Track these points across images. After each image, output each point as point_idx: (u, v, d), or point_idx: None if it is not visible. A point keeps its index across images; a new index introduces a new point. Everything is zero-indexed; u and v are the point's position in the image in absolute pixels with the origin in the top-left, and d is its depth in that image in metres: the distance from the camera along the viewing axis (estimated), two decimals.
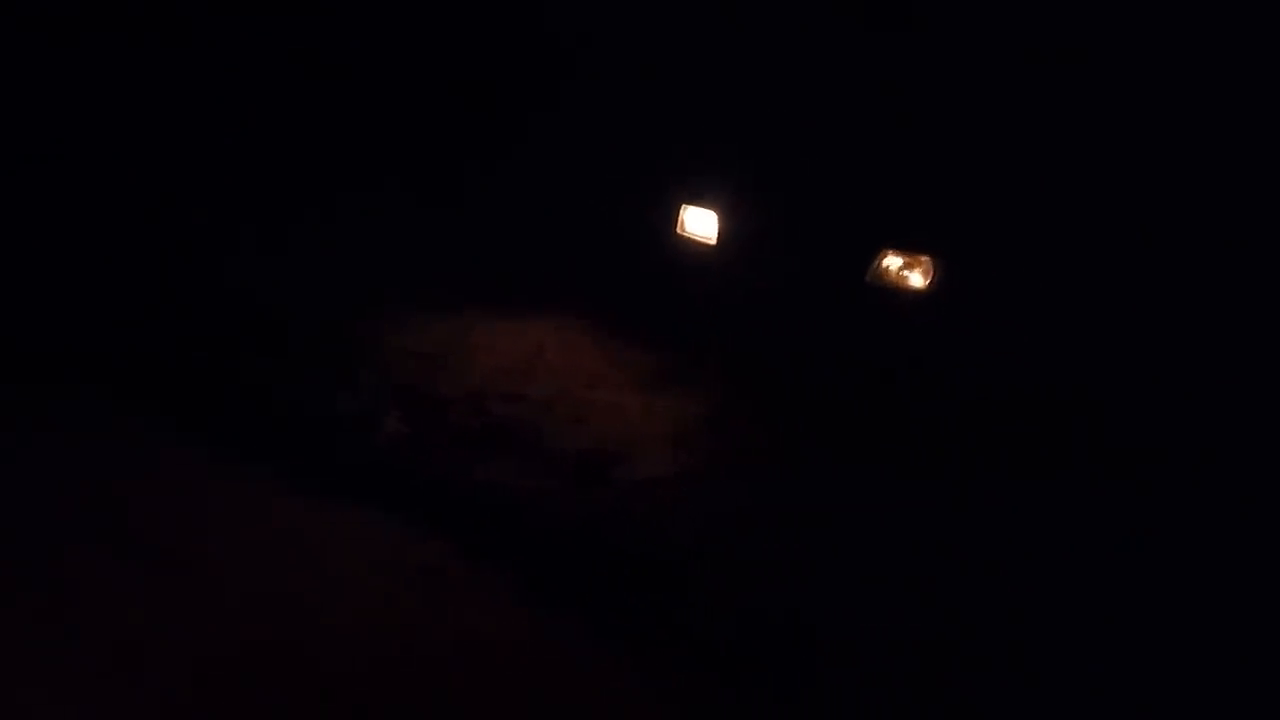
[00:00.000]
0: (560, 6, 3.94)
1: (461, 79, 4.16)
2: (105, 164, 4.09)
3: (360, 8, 4.30)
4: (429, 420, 2.74)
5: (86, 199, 3.99)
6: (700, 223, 3.37)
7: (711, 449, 2.59)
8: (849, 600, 2.02)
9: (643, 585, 2.02)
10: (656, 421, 2.74)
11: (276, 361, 3.04)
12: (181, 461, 2.55)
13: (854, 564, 2.15)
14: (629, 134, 3.66)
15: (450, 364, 3.08)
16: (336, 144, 4.19)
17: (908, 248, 2.97)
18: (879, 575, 2.11)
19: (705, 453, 2.56)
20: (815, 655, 1.85)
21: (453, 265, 3.75)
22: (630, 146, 3.63)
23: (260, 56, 4.30)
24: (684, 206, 3.40)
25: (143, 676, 1.71)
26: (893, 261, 2.99)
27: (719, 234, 3.31)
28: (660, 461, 2.50)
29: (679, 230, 3.43)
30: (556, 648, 1.87)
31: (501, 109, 4.10)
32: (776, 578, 2.07)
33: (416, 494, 2.39)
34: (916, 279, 3.00)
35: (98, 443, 2.59)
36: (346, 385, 2.90)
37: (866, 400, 2.92)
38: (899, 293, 3.00)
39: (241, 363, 3.05)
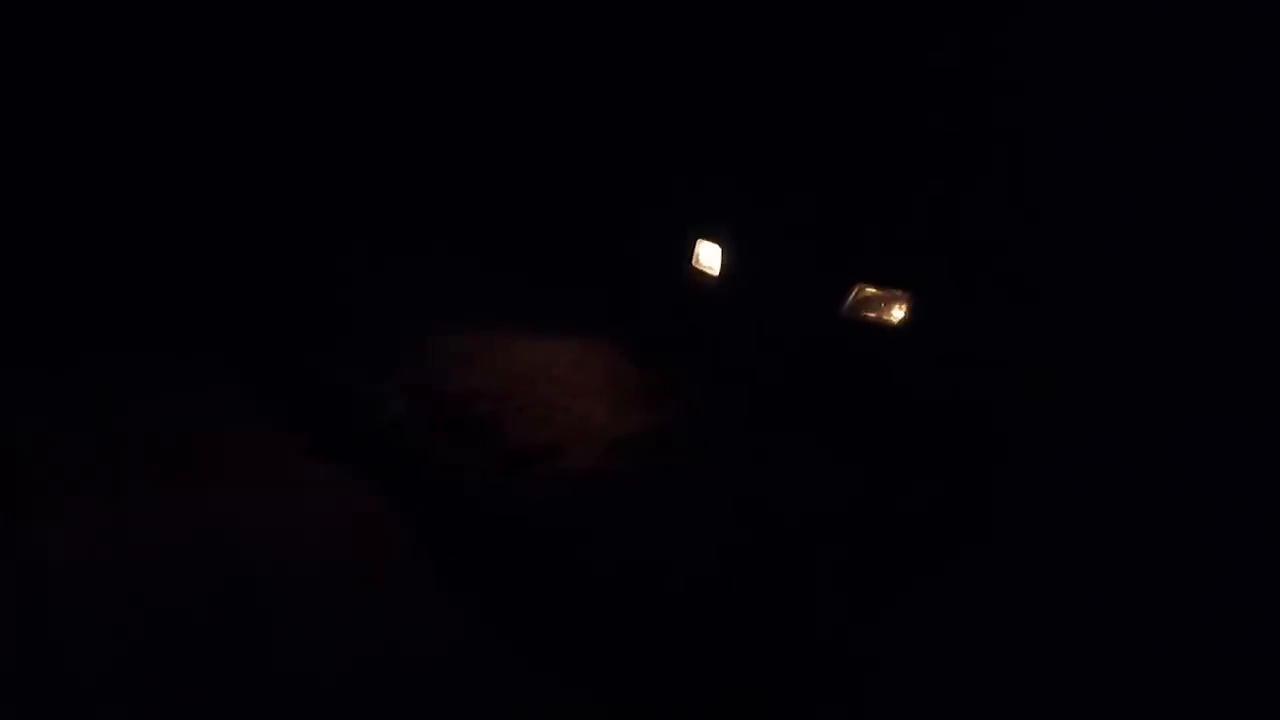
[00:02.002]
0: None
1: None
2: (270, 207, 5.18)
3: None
4: (425, 409, 3.19)
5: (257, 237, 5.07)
6: (709, 255, 3.59)
7: (642, 456, 2.77)
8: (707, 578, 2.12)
9: (509, 553, 2.29)
10: (610, 429, 2.97)
11: (337, 355, 3.70)
12: (238, 415, 3.30)
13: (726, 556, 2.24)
14: (657, 175, 3.99)
15: (468, 369, 3.53)
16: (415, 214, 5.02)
17: (883, 282, 2.99)
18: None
19: (633, 457, 2.75)
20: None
21: (499, 298, 4.27)
22: (660, 187, 3.96)
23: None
24: (698, 240, 3.65)
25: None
26: (868, 295, 3.02)
27: (721, 266, 3.50)
28: (586, 461, 2.73)
29: (694, 263, 3.68)
30: (419, 571, 2.24)
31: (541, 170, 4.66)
32: (644, 563, 2.22)
33: (384, 461, 2.86)
34: (892, 313, 3.00)
35: (185, 394, 3.47)
36: (379, 378, 3.45)
37: (825, 426, 2.94)
38: (873, 326, 3.01)
39: (316, 354, 3.76)
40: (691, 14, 3.73)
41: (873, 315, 3.01)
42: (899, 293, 2.95)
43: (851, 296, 3.03)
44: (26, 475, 2.75)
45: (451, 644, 1.99)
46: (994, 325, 2.86)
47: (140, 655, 1.92)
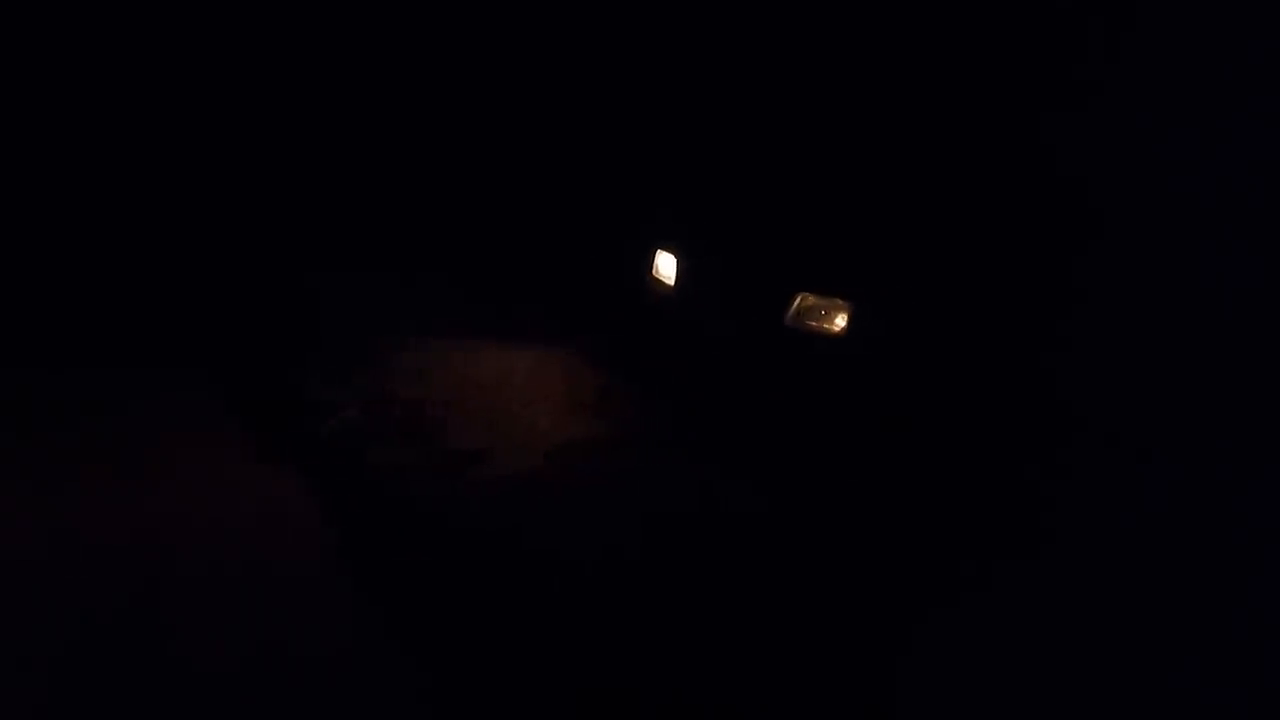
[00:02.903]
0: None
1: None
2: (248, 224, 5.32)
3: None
4: (377, 414, 3.24)
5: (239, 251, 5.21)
6: (666, 266, 3.61)
7: (574, 463, 2.78)
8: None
9: (423, 551, 2.31)
10: (550, 436, 2.99)
11: (302, 365, 3.77)
12: (199, 423, 3.34)
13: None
14: (620, 189, 4.03)
15: (425, 377, 3.58)
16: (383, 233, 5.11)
17: (825, 291, 2.98)
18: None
19: (565, 465, 2.77)
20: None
21: (464, 312, 4.32)
22: (622, 201, 4.00)
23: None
24: (657, 251, 3.67)
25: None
26: (811, 304, 3.01)
27: (675, 276, 3.52)
28: (519, 465, 2.75)
29: (653, 273, 3.69)
30: (333, 570, 2.28)
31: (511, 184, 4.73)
32: (542, 553, 2.22)
33: (328, 464, 2.90)
34: (835, 322, 2.98)
35: (151, 403, 3.50)
36: (338, 385, 3.51)
37: (763, 437, 2.93)
38: (816, 335, 3.00)
39: (281, 364, 3.83)
40: (650, 37, 3.79)
41: (815, 324, 3.00)
42: (840, 302, 2.94)
43: (795, 305, 3.02)
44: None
45: (342, 646, 2.02)
46: (934, 335, 2.84)
47: (52, 643, 1.97)
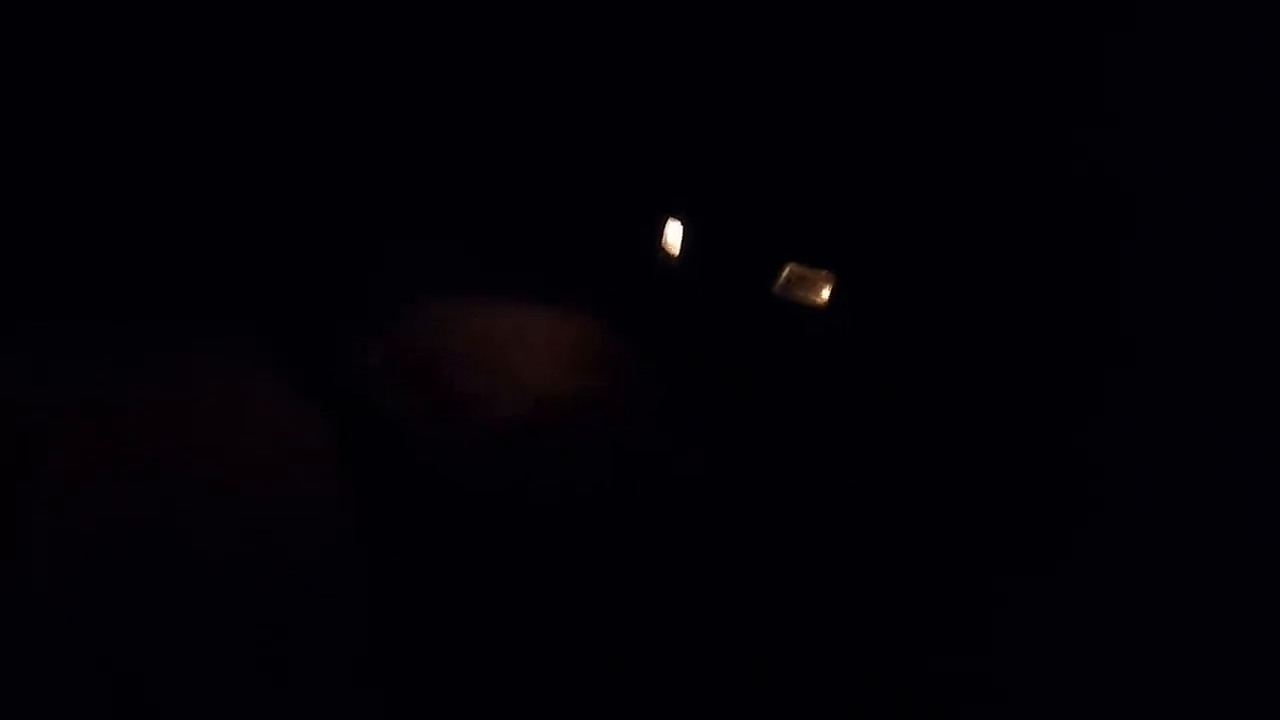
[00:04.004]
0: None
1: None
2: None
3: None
4: (395, 360, 3.54)
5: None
6: (674, 235, 3.76)
7: (561, 413, 3.00)
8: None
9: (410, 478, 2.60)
10: (547, 389, 3.22)
11: (340, 318, 4.11)
12: (241, 360, 3.72)
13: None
14: (638, 159, 4.19)
15: (444, 332, 3.86)
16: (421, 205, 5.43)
17: (811, 262, 3.08)
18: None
19: (552, 414, 2.99)
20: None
21: (493, 278, 4.57)
22: (637, 172, 4.16)
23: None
24: (667, 220, 3.83)
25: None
26: (798, 275, 3.12)
27: (680, 245, 3.67)
28: (512, 411, 2.99)
29: (662, 242, 3.86)
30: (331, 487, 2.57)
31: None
32: (511, 493, 2.46)
33: (345, 402, 3.23)
34: (820, 294, 3.09)
35: (202, 345, 3.90)
36: (366, 336, 3.84)
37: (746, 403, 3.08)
38: (801, 305, 3.11)
39: (321, 317, 4.19)
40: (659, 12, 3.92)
41: (801, 295, 3.11)
42: (824, 273, 3.04)
43: (783, 275, 3.14)
44: (43, 401, 3.27)
45: (328, 548, 2.32)
46: (915, 312, 2.91)
47: (90, 533, 2.34)
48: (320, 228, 5.37)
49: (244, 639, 1.96)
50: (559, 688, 1.83)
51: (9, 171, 5.29)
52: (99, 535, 2.32)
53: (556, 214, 4.85)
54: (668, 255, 3.76)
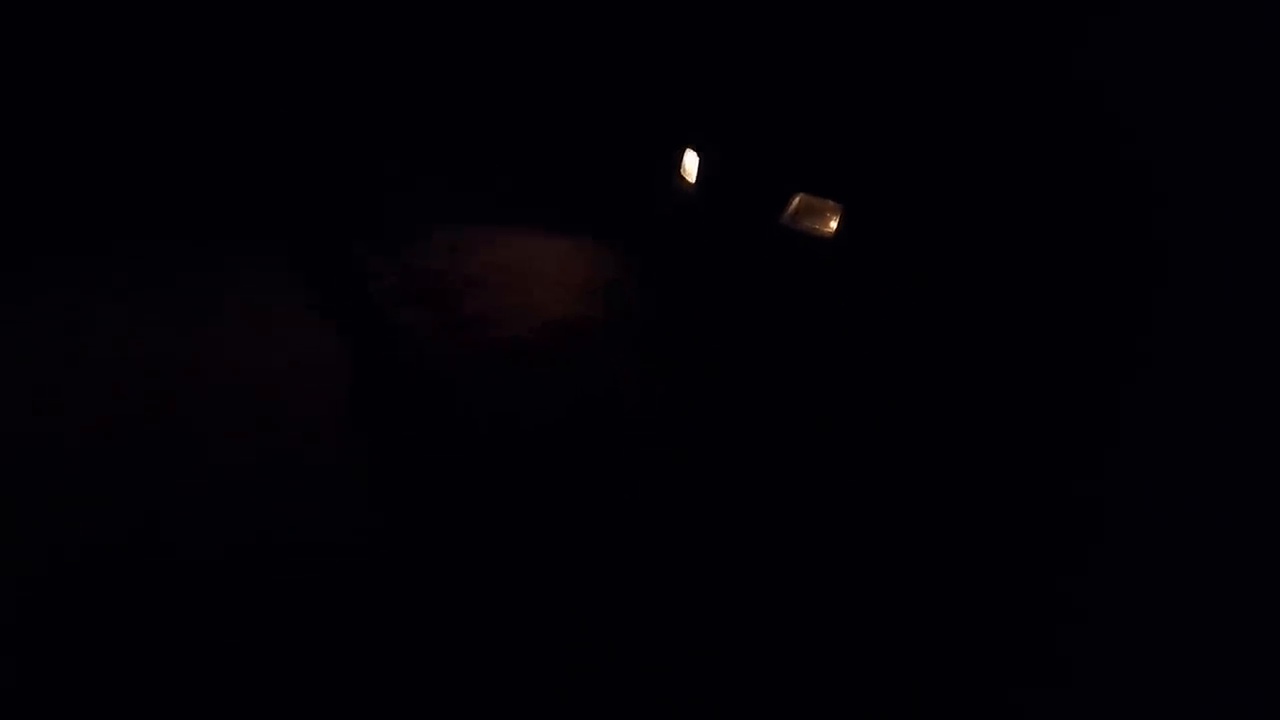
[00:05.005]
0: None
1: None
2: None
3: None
4: (411, 281, 3.62)
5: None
6: (691, 165, 3.73)
7: (559, 336, 3.06)
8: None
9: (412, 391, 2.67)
10: (553, 312, 3.27)
11: (362, 241, 4.20)
12: (266, 278, 3.83)
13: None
14: (658, 89, 4.12)
15: (461, 257, 3.92)
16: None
17: (819, 192, 3.04)
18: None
19: (551, 336, 3.05)
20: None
21: (517, 209, 4.60)
22: (657, 104, 4.10)
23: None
24: (685, 151, 3.79)
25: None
26: (806, 205, 3.08)
27: (696, 175, 3.64)
28: (513, 332, 3.05)
29: (680, 172, 3.83)
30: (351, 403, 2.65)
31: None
32: (508, 410, 2.54)
33: (361, 318, 3.32)
34: (828, 224, 3.05)
35: (231, 261, 4.03)
36: (385, 258, 3.92)
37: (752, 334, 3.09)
38: (810, 235, 3.08)
39: (345, 240, 4.29)
40: None
41: (810, 225, 3.08)
42: (832, 204, 3.00)
43: (793, 206, 3.11)
44: (76, 304, 3.43)
45: (333, 458, 2.43)
46: (922, 245, 2.86)
47: (108, 433, 2.48)
48: (344, 158, 5.46)
49: (251, 529, 2.09)
50: (548, 590, 1.92)
51: (41, 98, 5.48)
52: (120, 433, 2.47)
53: (576, 148, 4.83)
54: (685, 186, 3.73)
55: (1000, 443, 2.47)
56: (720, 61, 3.52)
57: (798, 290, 3.09)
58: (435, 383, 2.70)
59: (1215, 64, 2.40)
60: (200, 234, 4.48)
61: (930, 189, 2.78)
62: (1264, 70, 2.31)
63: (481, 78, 5.54)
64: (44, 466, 2.29)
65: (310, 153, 5.52)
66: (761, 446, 2.45)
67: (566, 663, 1.65)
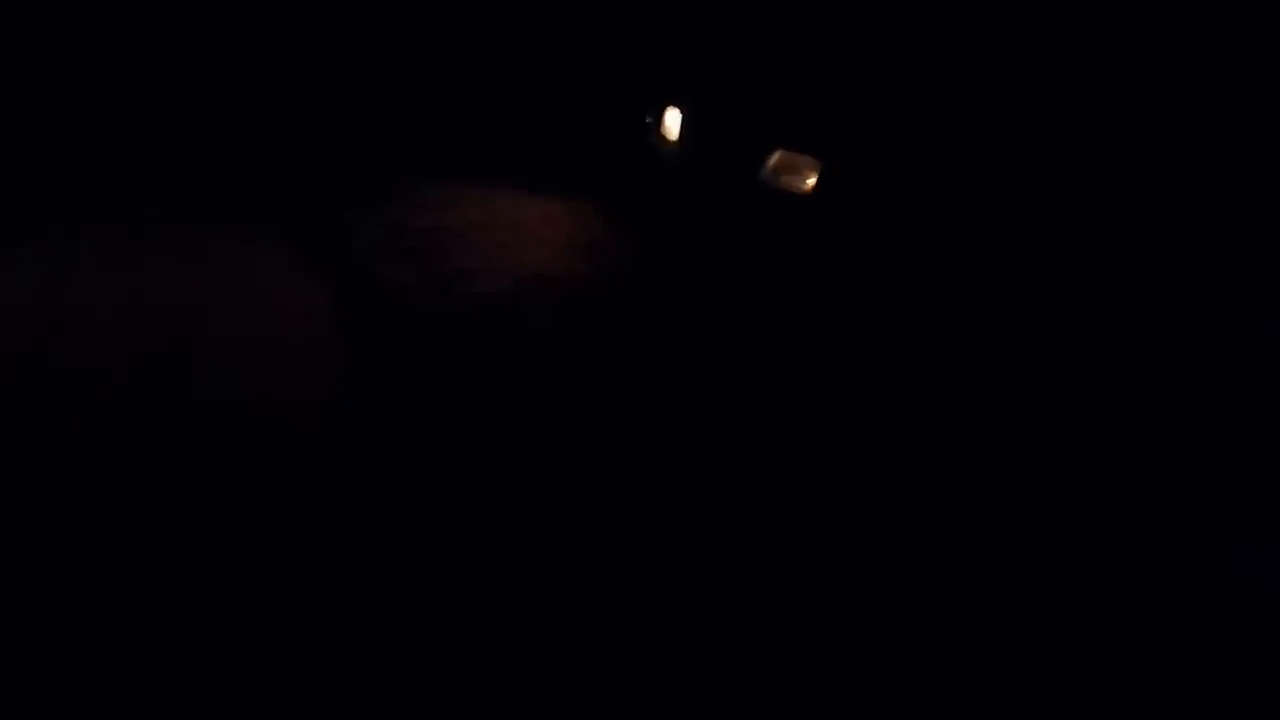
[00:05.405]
0: None
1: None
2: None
3: None
4: (397, 236, 3.65)
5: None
6: (673, 120, 3.75)
7: (541, 291, 3.12)
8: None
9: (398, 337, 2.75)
10: (533, 268, 3.32)
11: (352, 196, 4.22)
12: (255, 232, 3.87)
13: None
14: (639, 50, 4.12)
15: (446, 212, 3.95)
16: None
17: (798, 148, 3.07)
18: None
19: (532, 291, 3.11)
20: None
21: (505, 167, 4.61)
22: (641, 61, 4.10)
23: None
24: (667, 107, 3.80)
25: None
26: (785, 161, 3.11)
27: (679, 131, 3.66)
28: (494, 287, 3.11)
29: (662, 128, 3.84)
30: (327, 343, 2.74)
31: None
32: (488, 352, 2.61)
33: (346, 272, 3.38)
34: (805, 181, 3.09)
35: (219, 214, 4.07)
36: (370, 213, 3.94)
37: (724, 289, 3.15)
38: (788, 191, 3.12)
39: (335, 195, 4.30)
40: None
41: (788, 181, 3.12)
42: (811, 159, 3.04)
43: (772, 161, 3.14)
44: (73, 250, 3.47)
45: (320, 393, 2.51)
46: (900, 203, 2.89)
47: (108, 371, 2.55)
48: (333, 115, 5.44)
49: (248, 461, 2.17)
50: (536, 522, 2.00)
51: (36, 52, 5.43)
52: (114, 371, 2.54)
53: (560, 106, 4.83)
54: (666, 143, 3.75)
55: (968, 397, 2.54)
56: (701, 18, 3.52)
57: (776, 246, 3.14)
58: (420, 333, 2.77)
59: None
60: (189, 186, 4.51)
61: (909, 147, 2.81)
62: None
63: (464, 38, 5.51)
64: (39, 407, 2.36)
65: (298, 112, 5.50)
66: (741, 396, 2.53)
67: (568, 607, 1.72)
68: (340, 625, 1.67)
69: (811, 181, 3.06)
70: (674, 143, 3.70)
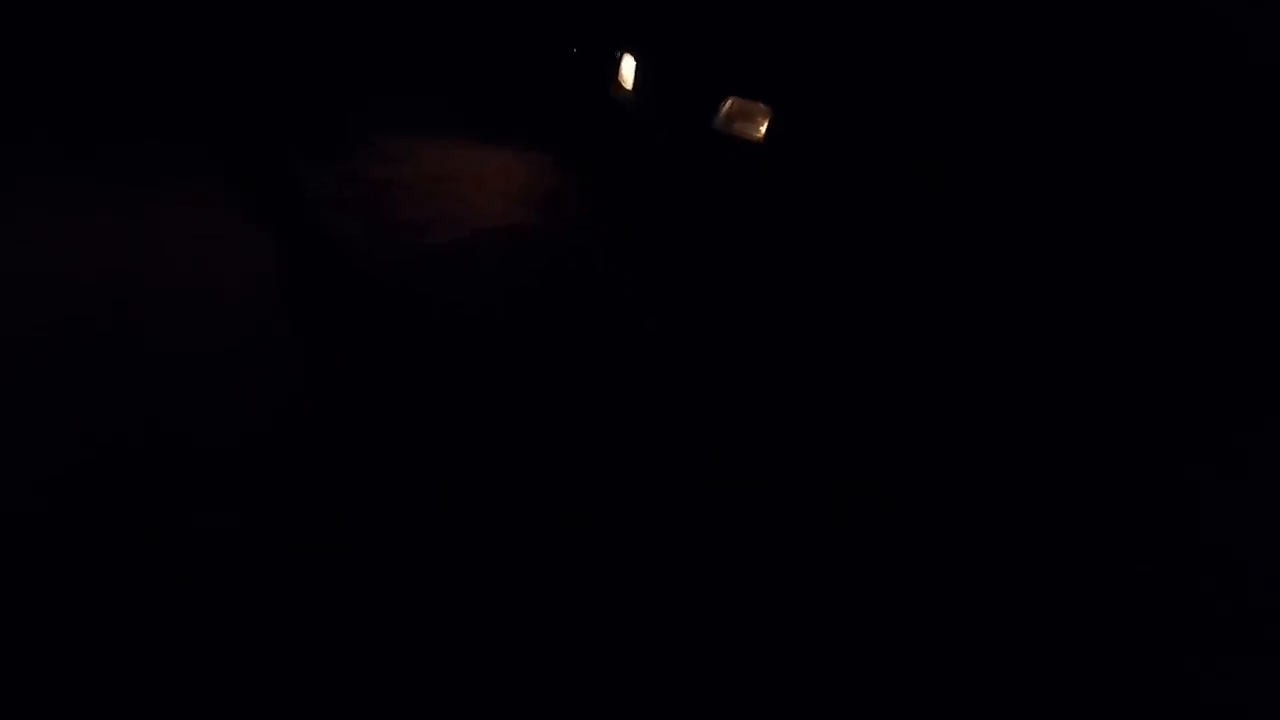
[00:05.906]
0: None
1: None
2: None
3: None
4: (347, 187, 3.58)
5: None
6: (628, 71, 3.69)
7: (493, 242, 3.09)
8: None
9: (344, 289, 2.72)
10: (485, 219, 3.28)
11: (306, 149, 4.12)
12: (205, 184, 3.76)
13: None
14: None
15: (401, 165, 3.87)
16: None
17: (750, 95, 3.04)
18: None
19: (484, 242, 3.08)
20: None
21: (465, 121, 4.51)
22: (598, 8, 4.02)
23: None
24: (622, 57, 3.74)
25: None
26: (738, 108, 3.09)
27: (633, 80, 3.61)
28: (446, 238, 3.08)
29: (618, 78, 3.78)
30: (272, 297, 2.69)
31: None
32: (442, 303, 2.59)
33: (296, 223, 3.31)
34: (757, 126, 3.07)
35: (176, 169, 3.93)
36: (323, 165, 3.86)
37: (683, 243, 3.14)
38: (740, 139, 3.10)
39: (285, 149, 4.19)
40: None
41: (740, 128, 3.09)
42: (762, 106, 3.01)
43: (724, 109, 3.11)
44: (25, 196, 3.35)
45: (263, 345, 2.48)
46: (852, 150, 2.89)
47: (50, 329, 2.49)
48: (287, 68, 5.28)
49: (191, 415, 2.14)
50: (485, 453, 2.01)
51: None
52: (56, 328, 2.48)
53: (516, 56, 4.73)
54: (622, 92, 3.70)
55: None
56: None
57: (730, 193, 3.13)
58: (365, 281, 2.74)
59: None
60: (135, 135, 4.36)
61: (859, 94, 2.80)
62: None
63: None
64: None
65: (250, 57, 5.34)
66: (699, 348, 2.54)
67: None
68: (281, 580, 1.67)
69: (764, 128, 3.04)
70: (629, 91, 3.65)
